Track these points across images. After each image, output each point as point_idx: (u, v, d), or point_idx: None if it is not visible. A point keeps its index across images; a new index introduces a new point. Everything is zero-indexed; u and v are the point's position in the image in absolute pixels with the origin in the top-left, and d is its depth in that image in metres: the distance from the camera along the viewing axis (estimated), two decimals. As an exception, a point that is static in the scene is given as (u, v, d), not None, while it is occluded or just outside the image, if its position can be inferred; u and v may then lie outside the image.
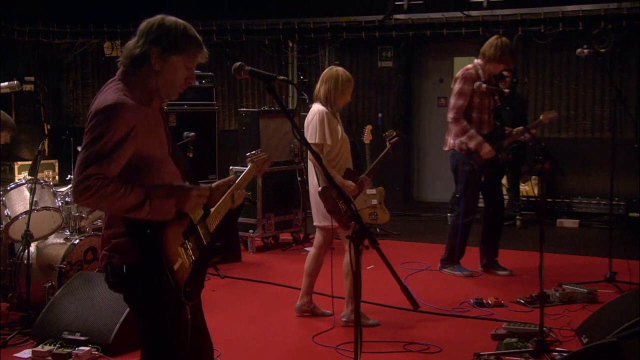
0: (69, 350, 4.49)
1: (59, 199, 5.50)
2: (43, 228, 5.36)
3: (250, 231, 7.77)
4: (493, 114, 6.50)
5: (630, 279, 5.95)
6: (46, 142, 5.21)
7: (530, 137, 6.54)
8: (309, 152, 5.20)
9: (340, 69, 5.26)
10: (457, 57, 10.69)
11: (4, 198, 5.33)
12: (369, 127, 5.63)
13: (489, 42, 6.37)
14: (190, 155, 6.66)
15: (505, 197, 9.46)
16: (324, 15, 10.73)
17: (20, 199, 5.39)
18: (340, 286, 5.23)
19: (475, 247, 6.77)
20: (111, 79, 2.77)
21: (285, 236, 8.26)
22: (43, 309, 4.85)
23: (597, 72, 9.51)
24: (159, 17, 2.77)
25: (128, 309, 4.56)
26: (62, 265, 5.24)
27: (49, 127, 10.55)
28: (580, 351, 4.12)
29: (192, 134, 6.69)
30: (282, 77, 2.96)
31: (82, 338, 4.56)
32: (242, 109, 8.63)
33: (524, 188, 9.54)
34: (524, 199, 9.49)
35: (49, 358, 4.50)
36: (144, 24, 2.76)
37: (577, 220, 9.22)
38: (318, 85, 5.28)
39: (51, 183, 5.63)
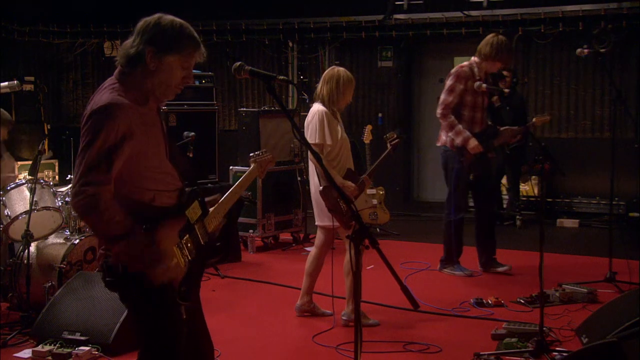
0: (69, 350, 4.49)
1: (59, 199, 5.50)
2: (43, 228, 5.36)
3: (250, 231, 7.78)
4: (486, 113, 6.51)
5: (630, 278, 5.95)
6: (46, 142, 5.20)
7: (518, 139, 6.55)
8: (309, 152, 5.20)
9: (341, 69, 5.26)
10: (457, 57, 10.67)
11: (4, 198, 5.33)
12: (369, 127, 5.63)
13: (485, 40, 6.38)
14: (190, 155, 6.65)
15: (506, 197, 9.48)
16: (324, 15, 10.74)
17: (20, 199, 5.39)
18: (340, 286, 5.23)
19: (473, 246, 6.77)
20: (108, 79, 2.77)
21: (285, 236, 8.26)
22: (43, 309, 4.85)
23: (597, 72, 9.51)
24: (156, 16, 2.76)
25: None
26: (62, 265, 5.24)
27: (48, 127, 10.55)
28: (580, 351, 4.12)
29: (192, 133, 6.68)
30: (282, 77, 2.96)
31: (82, 338, 4.56)
32: (242, 109, 8.63)
33: (524, 188, 9.54)
34: (524, 198, 9.50)
35: (49, 358, 4.50)
36: (140, 23, 2.75)
37: (577, 220, 9.22)
38: (319, 86, 5.28)
39: (51, 183, 5.63)
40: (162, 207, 2.75)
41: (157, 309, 2.73)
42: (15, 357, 4.58)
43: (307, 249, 7.70)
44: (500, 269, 6.62)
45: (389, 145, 5.35)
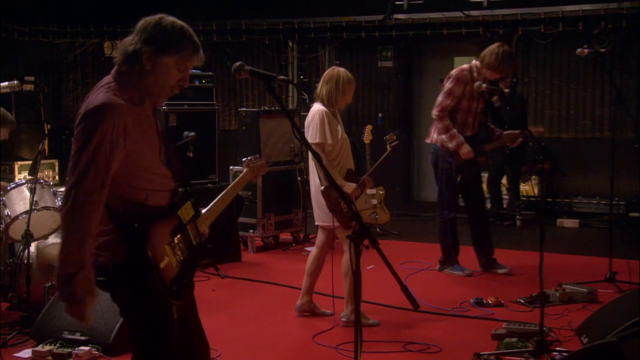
0: (69, 350, 4.49)
1: (59, 199, 5.50)
2: (43, 228, 5.36)
3: (250, 231, 7.78)
4: (480, 117, 6.50)
5: (630, 278, 5.95)
6: (46, 142, 5.20)
7: (518, 143, 6.55)
8: (309, 152, 5.20)
9: (341, 69, 5.26)
10: (457, 57, 10.68)
11: (4, 198, 5.33)
12: (369, 127, 5.63)
13: (490, 48, 6.32)
14: (190, 155, 6.65)
15: (506, 197, 9.48)
16: (324, 15, 10.74)
17: (20, 199, 5.39)
18: (341, 286, 5.23)
19: (472, 246, 6.77)
20: (105, 77, 2.76)
21: (285, 236, 8.27)
22: (43, 309, 4.85)
23: (597, 72, 9.51)
24: (158, 16, 2.76)
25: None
26: (62, 265, 5.23)
27: (49, 127, 10.56)
28: (580, 351, 4.12)
29: (192, 133, 6.68)
30: (282, 77, 2.96)
31: (82, 338, 4.56)
32: (242, 109, 8.63)
33: (524, 188, 9.54)
34: (524, 198, 9.50)
35: (49, 358, 4.50)
36: (140, 22, 2.75)
37: (577, 220, 9.22)
38: (319, 86, 5.28)
39: (51, 183, 5.63)
40: (155, 206, 2.74)
41: (148, 308, 2.72)
42: (15, 357, 4.58)
43: (307, 249, 7.70)
44: (500, 271, 6.61)
45: (388, 146, 5.36)
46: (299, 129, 3.08)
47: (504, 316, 5.33)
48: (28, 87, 10.25)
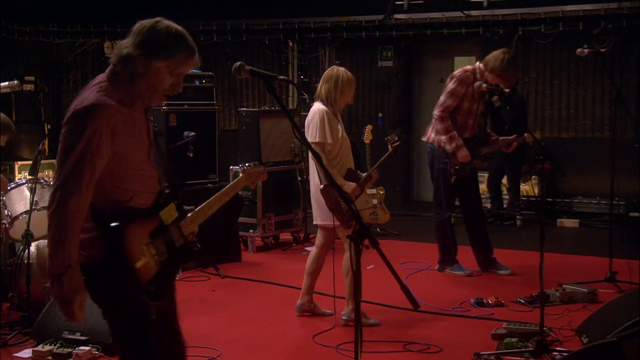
0: (69, 349, 4.49)
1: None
2: (43, 228, 5.28)
3: (251, 231, 7.78)
4: (480, 118, 6.51)
5: (630, 278, 5.95)
6: (46, 142, 5.20)
7: (513, 149, 6.56)
8: (309, 152, 5.20)
9: (341, 69, 5.26)
10: (457, 57, 10.69)
11: (4, 198, 5.33)
12: (369, 127, 5.62)
13: (496, 54, 6.30)
14: (191, 155, 6.66)
15: (506, 196, 9.48)
16: (324, 15, 10.74)
17: (20, 199, 5.39)
18: (341, 286, 5.23)
19: (470, 246, 6.77)
20: (99, 75, 2.76)
21: (286, 236, 8.27)
22: (43, 309, 4.85)
23: (597, 71, 9.50)
24: (154, 19, 2.75)
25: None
26: (62, 265, 5.23)
27: (49, 127, 10.55)
28: (581, 351, 4.12)
29: (192, 133, 6.69)
30: (282, 77, 2.96)
31: (82, 338, 4.56)
32: (242, 109, 8.63)
33: (524, 188, 9.54)
34: (524, 198, 9.50)
35: (49, 358, 4.50)
36: (137, 25, 2.74)
37: (578, 220, 9.22)
38: (319, 85, 5.29)
39: (51, 183, 5.63)
40: (135, 207, 2.73)
41: (124, 308, 2.71)
42: (16, 357, 4.58)
43: (308, 248, 7.70)
44: (500, 272, 6.61)
45: (390, 147, 5.35)
46: (299, 129, 3.08)
47: (504, 316, 5.33)
48: (28, 87, 10.24)
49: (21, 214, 5.24)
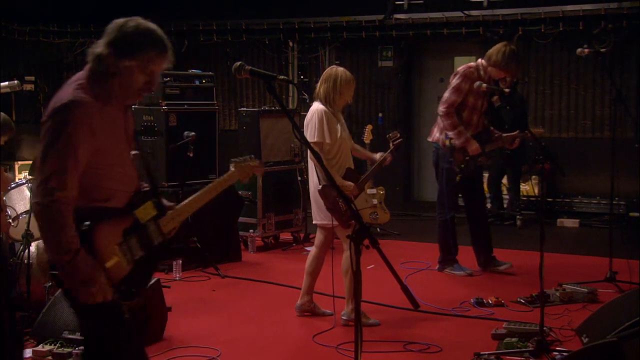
0: (69, 349, 4.49)
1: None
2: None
3: (251, 231, 7.77)
4: (483, 116, 6.49)
5: (630, 278, 5.95)
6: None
7: (517, 145, 6.55)
8: (309, 152, 5.20)
9: (340, 69, 5.25)
10: (457, 57, 10.69)
11: (4, 198, 5.32)
12: (369, 127, 5.62)
13: (497, 47, 6.30)
14: (191, 155, 6.66)
15: (506, 196, 9.48)
16: (324, 14, 10.74)
17: (20, 199, 5.38)
18: (341, 286, 5.23)
19: (470, 246, 6.76)
20: (79, 72, 2.77)
21: (286, 236, 8.27)
22: (43, 309, 4.84)
23: (597, 71, 9.50)
24: (124, 19, 2.77)
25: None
26: (62, 265, 5.23)
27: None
28: (581, 351, 4.12)
29: (192, 133, 6.69)
30: (282, 77, 2.96)
31: (82, 337, 4.55)
32: (242, 109, 8.64)
33: (525, 188, 9.54)
34: (524, 198, 9.50)
35: (49, 357, 4.50)
36: (110, 24, 2.76)
37: (578, 220, 9.22)
38: (318, 84, 5.29)
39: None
40: (109, 207, 2.73)
41: (94, 307, 2.70)
42: (16, 356, 4.58)
43: (308, 248, 7.70)
44: (501, 267, 6.62)
45: (391, 144, 5.34)
46: (299, 129, 3.08)
47: (504, 316, 5.33)
48: (28, 87, 10.25)
49: (21, 213, 5.23)
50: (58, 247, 2.59)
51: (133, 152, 2.91)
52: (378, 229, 8.27)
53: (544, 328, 4.54)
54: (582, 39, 8.71)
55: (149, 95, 7.11)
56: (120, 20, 2.76)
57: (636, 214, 8.81)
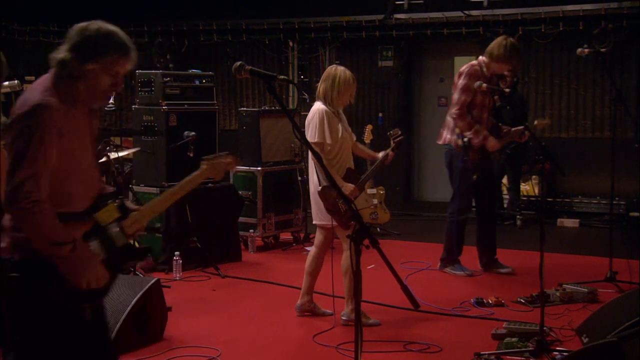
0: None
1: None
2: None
3: (251, 231, 7.77)
4: (492, 113, 6.49)
5: (630, 278, 5.95)
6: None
7: (526, 138, 6.55)
8: (309, 151, 5.20)
9: (340, 68, 5.24)
10: (457, 57, 10.68)
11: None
12: (369, 127, 5.62)
13: (497, 41, 6.32)
14: (191, 155, 6.65)
15: (506, 196, 9.48)
16: (324, 14, 10.74)
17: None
18: (341, 286, 5.23)
19: (474, 246, 6.76)
20: (45, 75, 2.76)
21: (286, 236, 8.26)
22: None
23: (597, 71, 9.50)
24: (85, 23, 2.78)
25: (129, 309, 4.57)
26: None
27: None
28: (581, 351, 4.12)
29: (193, 133, 6.69)
30: (282, 77, 2.96)
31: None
32: (242, 109, 8.64)
33: (525, 188, 9.54)
34: (525, 198, 9.49)
35: None
36: (71, 29, 2.77)
37: (578, 220, 9.22)
38: (319, 84, 5.28)
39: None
40: (68, 212, 2.71)
41: (51, 310, 2.68)
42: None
43: (308, 248, 7.69)
44: (502, 271, 6.61)
45: (392, 142, 5.35)
46: (299, 129, 3.08)
47: (504, 316, 5.33)
48: (28, 87, 10.23)
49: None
50: (56, 242, 2.60)
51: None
52: (378, 229, 8.26)
53: (544, 328, 4.54)
54: (582, 39, 8.70)
55: (149, 95, 7.14)
56: (81, 25, 2.77)
57: (636, 214, 8.81)
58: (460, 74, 6.37)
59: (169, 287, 5.98)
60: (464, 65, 6.49)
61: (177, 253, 6.54)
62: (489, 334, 4.91)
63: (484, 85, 6.24)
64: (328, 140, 5.07)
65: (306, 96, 10.37)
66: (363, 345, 2.85)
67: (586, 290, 5.73)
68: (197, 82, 7.40)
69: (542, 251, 4.40)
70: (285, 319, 5.46)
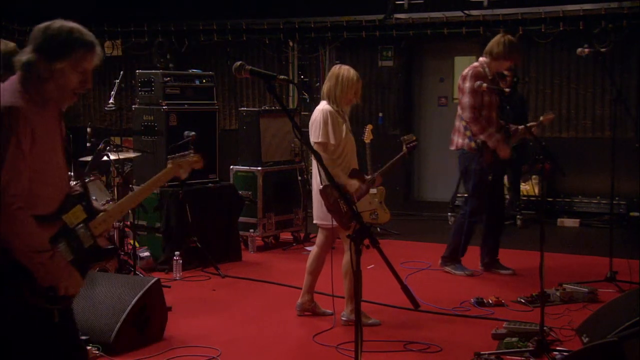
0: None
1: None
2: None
3: (251, 230, 7.77)
4: (499, 111, 6.49)
5: (630, 278, 5.95)
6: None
7: (532, 135, 6.54)
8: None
9: (345, 67, 5.20)
10: (457, 57, 10.69)
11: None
12: (369, 127, 5.61)
13: (495, 40, 6.34)
14: (191, 155, 6.64)
15: (506, 196, 9.47)
16: (324, 14, 10.73)
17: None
18: (341, 285, 5.23)
19: (476, 246, 6.76)
20: (12, 77, 2.73)
21: (286, 235, 8.26)
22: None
23: (597, 71, 9.50)
24: (46, 23, 2.77)
25: (129, 309, 4.58)
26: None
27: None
28: (581, 350, 4.12)
29: (193, 133, 6.69)
30: (282, 77, 2.95)
31: (82, 337, 4.52)
32: (242, 109, 8.64)
33: (525, 187, 9.53)
34: (525, 198, 9.49)
35: None
36: (33, 31, 2.76)
37: (578, 220, 9.22)
38: (324, 83, 5.27)
39: None
40: (35, 215, 2.67)
41: (20, 311, 2.67)
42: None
43: (308, 248, 7.70)
44: (503, 272, 6.61)
45: (405, 147, 5.32)
46: (299, 129, 3.07)
47: (504, 316, 5.33)
48: None
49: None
50: (37, 247, 2.59)
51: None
52: (378, 229, 8.26)
53: (544, 328, 4.54)
54: (582, 39, 8.70)
55: (149, 95, 7.14)
56: (42, 25, 2.77)
57: (636, 214, 8.81)
58: (464, 78, 6.36)
59: (169, 287, 5.98)
60: (466, 67, 6.49)
61: (177, 253, 6.54)
62: (489, 334, 4.91)
63: (484, 85, 6.24)
64: (332, 140, 5.06)
65: (306, 96, 10.37)
66: (363, 345, 2.85)
67: (586, 290, 5.73)
68: (197, 82, 7.40)
69: (542, 251, 4.40)
70: (285, 318, 5.46)
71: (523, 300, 5.69)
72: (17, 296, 2.64)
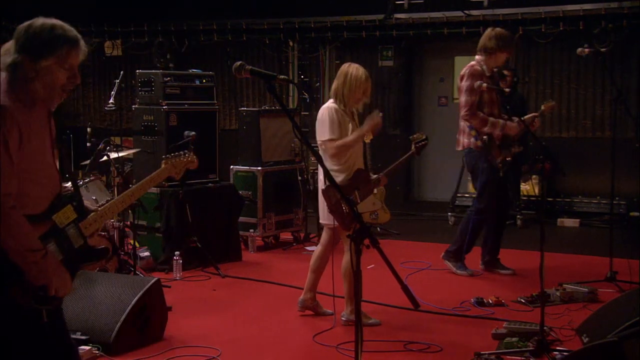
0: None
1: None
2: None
3: (251, 230, 7.77)
4: (501, 107, 6.49)
5: (630, 278, 5.95)
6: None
7: (537, 126, 6.55)
8: (319, 151, 5.17)
9: (354, 66, 5.16)
10: (457, 57, 10.69)
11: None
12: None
13: (485, 35, 6.40)
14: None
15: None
16: (324, 14, 10.73)
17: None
18: (341, 285, 5.22)
19: (477, 246, 6.75)
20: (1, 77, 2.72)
21: (286, 235, 8.26)
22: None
23: (597, 71, 9.51)
24: (27, 22, 2.75)
25: (129, 309, 4.58)
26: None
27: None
28: (581, 350, 4.12)
29: (193, 133, 6.69)
30: (282, 77, 2.95)
31: (82, 337, 4.56)
32: (242, 109, 8.65)
33: (525, 187, 9.53)
34: (525, 198, 9.49)
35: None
36: (16, 31, 2.74)
37: (578, 220, 9.22)
38: (334, 81, 5.25)
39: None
40: (27, 215, 2.66)
41: (11, 312, 2.66)
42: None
43: (308, 248, 7.71)
44: (503, 272, 6.60)
45: (413, 146, 5.31)
46: (299, 129, 3.07)
47: (504, 316, 5.33)
48: None
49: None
50: (30, 247, 2.59)
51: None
52: (378, 229, 8.27)
53: (544, 328, 4.54)
54: (582, 39, 8.71)
55: (149, 95, 7.14)
56: (24, 25, 2.74)
57: (636, 214, 8.81)
58: (462, 77, 6.39)
59: (169, 287, 5.98)
60: (464, 67, 6.49)
61: (177, 253, 6.54)
62: (489, 334, 4.91)
63: (484, 84, 6.25)
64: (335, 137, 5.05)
65: (306, 96, 10.36)
66: (363, 345, 2.85)
67: (586, 290, 5.73)
68: (197, 82, 7.40)
69: (542, 251, 4.40)
70: (285, 318, 5.46)
71: (523, 300, 5.69)
72: (7, 296, 2.63)
